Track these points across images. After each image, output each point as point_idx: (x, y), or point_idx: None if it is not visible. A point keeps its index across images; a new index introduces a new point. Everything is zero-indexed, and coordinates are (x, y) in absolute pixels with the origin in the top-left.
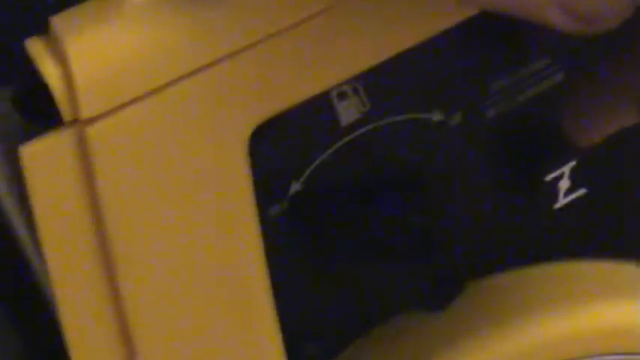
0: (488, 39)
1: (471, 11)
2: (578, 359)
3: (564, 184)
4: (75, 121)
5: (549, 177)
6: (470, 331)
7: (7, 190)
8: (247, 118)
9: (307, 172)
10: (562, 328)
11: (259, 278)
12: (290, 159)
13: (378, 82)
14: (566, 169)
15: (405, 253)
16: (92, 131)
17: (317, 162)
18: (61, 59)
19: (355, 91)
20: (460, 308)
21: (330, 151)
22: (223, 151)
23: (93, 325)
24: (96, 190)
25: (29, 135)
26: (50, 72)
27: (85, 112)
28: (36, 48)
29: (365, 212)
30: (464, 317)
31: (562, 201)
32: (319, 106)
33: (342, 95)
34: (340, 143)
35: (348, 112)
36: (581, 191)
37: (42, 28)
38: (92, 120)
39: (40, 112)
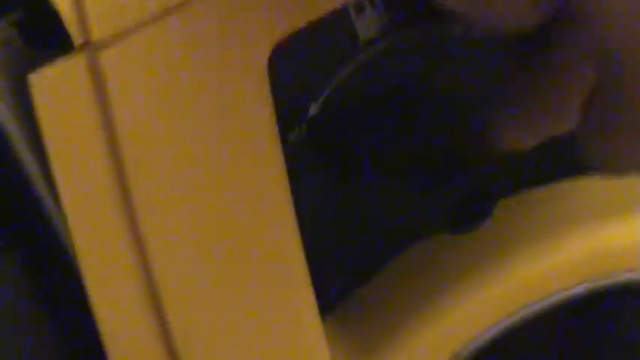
0: None
1: None
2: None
3: None
4: (86, 45)
5: None
6: (499, 253)
7: (14, 125)
8: (266, 35)
9: (325, 92)
10: (590, 246)
11: (284, 207)
12: (307, 79)
13: None
14: None
15: (430, 172)
16: (105, 55)
17: (335, 81)
18: None
19: (373, 2)
20: (487, 228)
21: (348, 69)
22: (242, 71)
23: (113, 269)
24: (111, 118)
25: (37, 62)
26: None
27: (97, 34)
28: None
29: (386, 131)
30: (492, 238)
31: None
32: (337, 21)
33: (359, 7)
34: (359, 60)
35: (366, 25)
36: None
37: None
38: (105, 42)
39: (45, 37)
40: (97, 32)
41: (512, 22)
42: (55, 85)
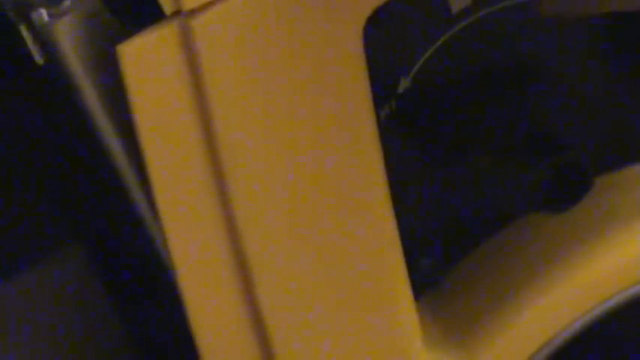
0: None
1: None
2: None
3: None
4: (177, 14)
5: None
6: (596, 232)
7: (100, 101)
8: (362, 4)
9: (417, 66)
10: None
11: (379, 186)
12: (398, 54)
13: None
14: None
15: (526, 149)
16: (197, 23)
17: (427, 55)
18: None
19: None
20: (583, 206)
21: (440, 42)
22: (339, 40)
23: (206, 258)
24: (203, 89)
25: (125, 33)
26: None
27: (189, 3)
28: None
29: (480, 106)
30: (588, 217)
31: None
32: None
33: None
34: (451, 32)
35: None
36: None
37: None
38: (196, 11)
39: (134, 7)
40: (189, 0)
41: None
42: (144, 56)
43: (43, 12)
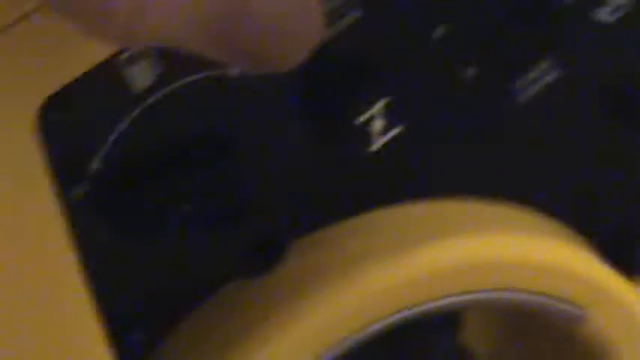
0: None
1: None
2: (424, 303)
3: (378, 124)
4: None
5: (360, 119)
6: (297, 293)
7: None
8: (32, 92)
9: (105, 147)
10: (397, 274)
11: (70, 269)
12: (85, 135)
13: None
14: (378, 108)
15: (215, 221)
16: None
17: (114, 135)
18: None
19: (144, 53)
20: (286, 269)
21: (126, 122)
22: (7, 130)
23: None
24: None
25: None
26: None
27: None
28: None
29: (170, 184)
30: (290, 278)
31: (377, 142)
32: (107, 74)
33: (130, 60)
34: (136, 112)
35: (139, 77)
36: (397, 130)
37: None
38: None
39: None
40: None
41: None
42: None
43: None
